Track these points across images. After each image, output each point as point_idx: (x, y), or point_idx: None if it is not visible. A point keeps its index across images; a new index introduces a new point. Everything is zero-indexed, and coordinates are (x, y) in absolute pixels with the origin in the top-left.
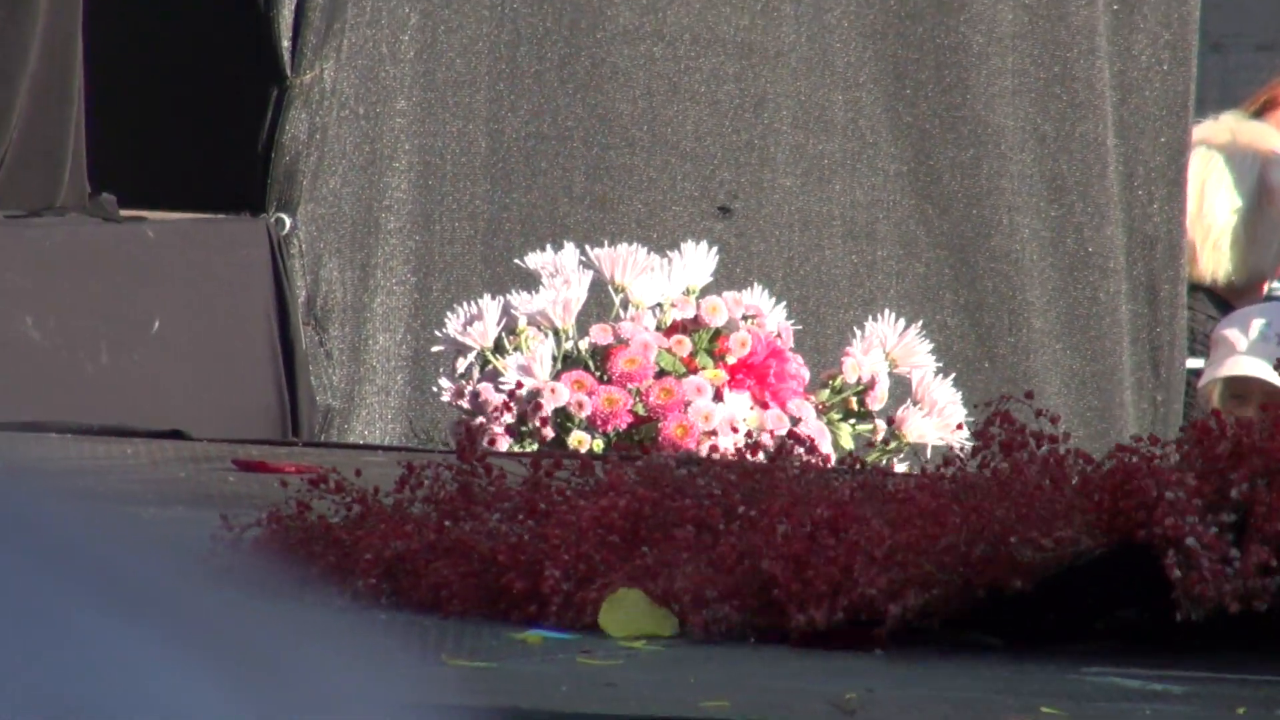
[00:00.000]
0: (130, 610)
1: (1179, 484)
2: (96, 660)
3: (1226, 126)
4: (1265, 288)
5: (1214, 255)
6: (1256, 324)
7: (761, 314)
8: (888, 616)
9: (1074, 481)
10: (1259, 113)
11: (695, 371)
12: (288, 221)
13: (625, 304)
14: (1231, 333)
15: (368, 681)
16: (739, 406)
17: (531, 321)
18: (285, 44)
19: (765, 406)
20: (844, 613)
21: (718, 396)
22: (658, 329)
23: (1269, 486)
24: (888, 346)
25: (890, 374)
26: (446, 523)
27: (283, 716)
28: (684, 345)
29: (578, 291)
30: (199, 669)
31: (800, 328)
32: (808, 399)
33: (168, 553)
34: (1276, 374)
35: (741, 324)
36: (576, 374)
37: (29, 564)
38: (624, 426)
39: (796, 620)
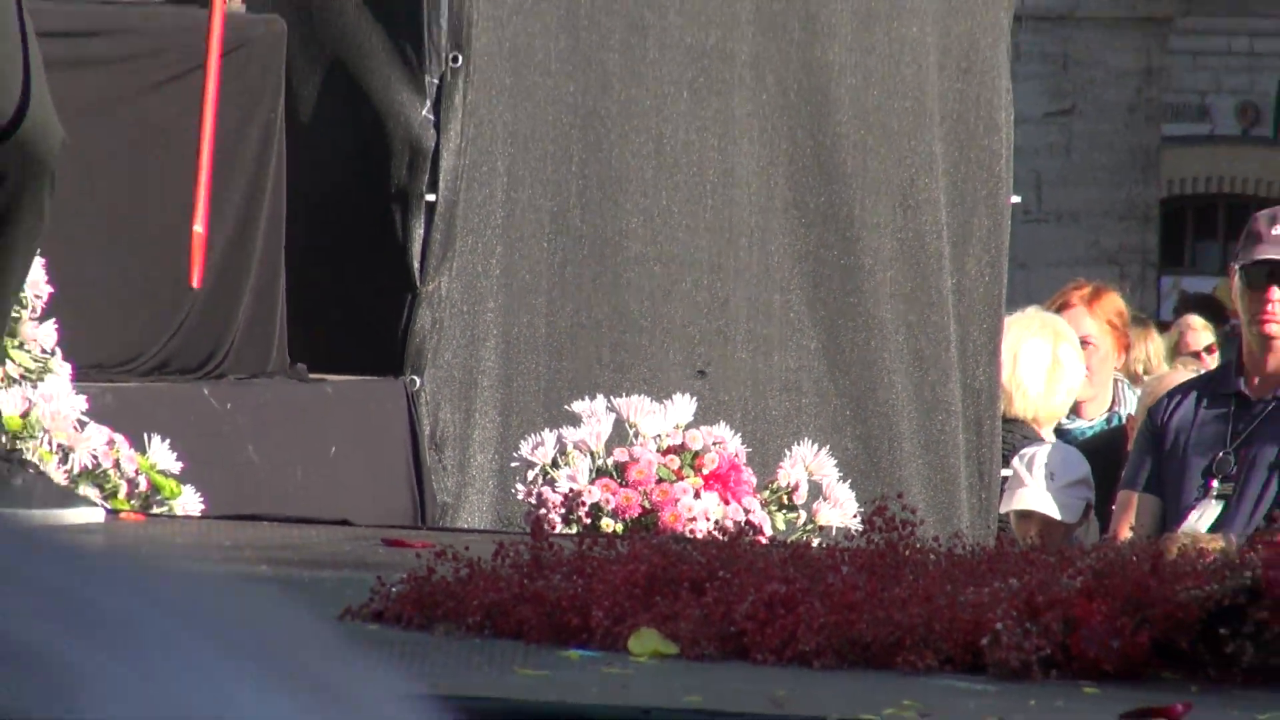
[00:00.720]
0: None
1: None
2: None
3: (1032, 315)
4: (1056, 422)
5: (1023, 400)
6: (1040, 462)
7: (724, 441)
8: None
9: (931, 566)
10: (1057, 310)
11: (682, 479)
12: (417, 381)
13: (636, 434)
14: (1021, 467)
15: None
16: (711, 503)
17: (576, 446)
18: (415, 264)
19: (727, 503)
20: (787, 660)
21: (697, 495)
22: (658, 451)
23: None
24: (807, 463)
25: (808, 480)
26: (525, 580)
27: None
28: (674, 462)
29: (605, 427)
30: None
31: (750, 449)
32: (755, 497)
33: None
34: (1052, 508)
35: (712, 448)
36: (604, 481)
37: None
38: (636, 516)
39: (755, 658)
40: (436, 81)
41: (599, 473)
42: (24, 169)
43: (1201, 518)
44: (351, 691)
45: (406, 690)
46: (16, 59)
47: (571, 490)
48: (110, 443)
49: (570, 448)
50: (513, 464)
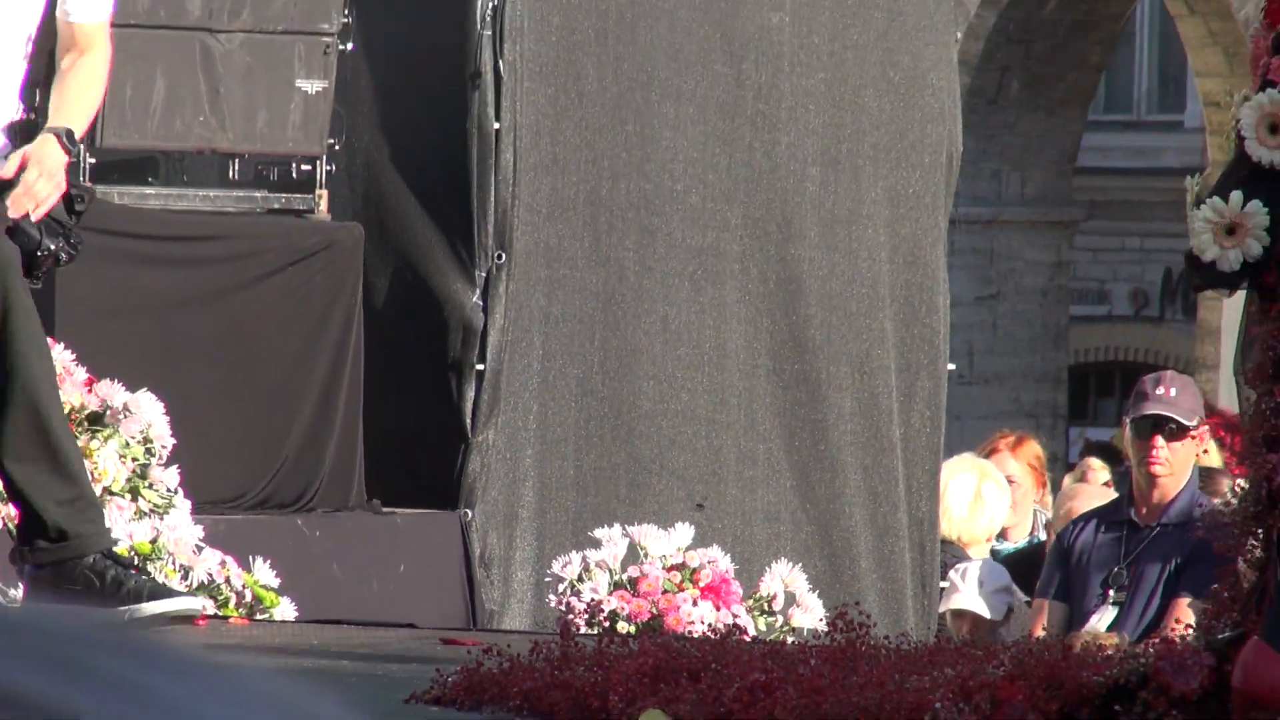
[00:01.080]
0: None
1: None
2: None
3: (965, 459)
4: (980, 543)
5: (948, 523)
6: (972, 573)
7: (717, 560)
8: None
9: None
10: (987, 454)
11: (682, 590)
12: (469, 513)
13: (645, 555)
14: (956, 577)
15: None
16: (706, 610)
17: (597, 565)
18: (468, 420)
19: (719, 609)
20: None
21: (694, 604)
22: (663, 568)
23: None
24: (784, 577)
25: (784, 591)
26: (555, 671)
27: None
28: (676, 576)
29: (621, 549)
30: None
31: (737, 567)
32: (741, 605)
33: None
34: (982, 608)
35: (707, 565)
36: (620, 592)
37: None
38: (645, 620)
39: None
40: (484, 274)
41: (616, 585)
42: None
43: (1100, 620)
44: None
45: None
46: None
47: (593, 600)
48: (222, 563)
49: (593, 566)
50: (546, 579)
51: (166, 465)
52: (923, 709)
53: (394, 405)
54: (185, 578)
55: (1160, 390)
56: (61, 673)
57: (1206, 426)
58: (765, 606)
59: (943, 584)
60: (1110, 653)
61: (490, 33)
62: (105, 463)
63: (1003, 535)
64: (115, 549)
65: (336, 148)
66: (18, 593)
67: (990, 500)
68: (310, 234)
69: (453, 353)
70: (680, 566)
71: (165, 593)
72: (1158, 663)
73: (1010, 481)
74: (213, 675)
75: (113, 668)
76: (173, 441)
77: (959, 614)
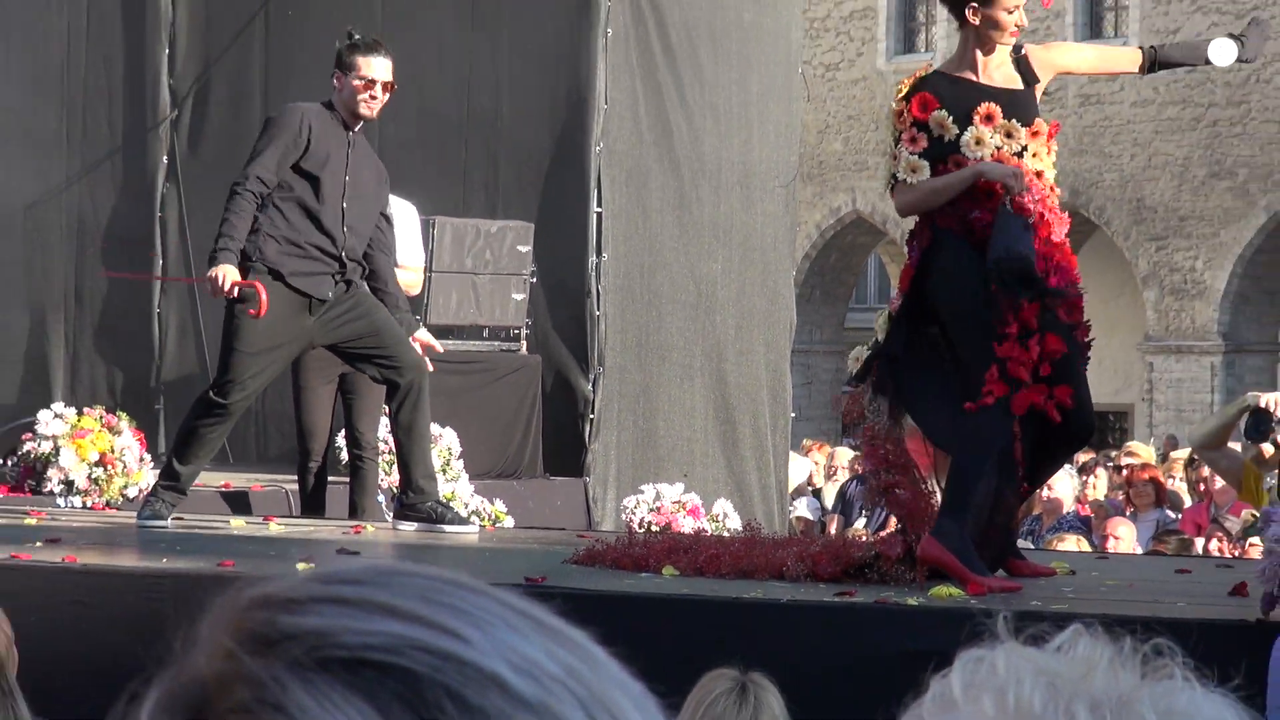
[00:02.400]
0: None
1: None
2: None
3: None
4: None
5: None
6: None
7: (693, 499)
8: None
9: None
10: None
11: (678, 512)
12: (589, 480)
13: (659, 496)
14: None
15: None
16: (689, 522)
17: (641, 501)
18: (587, 433)
19: (696, 520)
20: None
21: (684, 517)
22: (670, 501)
23: None
24: (722, 506)
25: (723, 512)
26: (626, 547)
27: None
28: (676, 507)
29: (651, 494)
30: None
31: (701, 500)
32: (704, 519)
33: None
34: None
35: (688, 501)
36: (653, 514)
37: None
38: (663, 525)
39: (709, 575)
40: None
41: (650, 510)
42: None
43: (863, 524)
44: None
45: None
46: None
47: (641, 517)
48: (481, 502)
49: (640, 502)
50: (621, 508)
51: (458, 458)
52: (781, 564)
53: (551, 424)
54: (466, 509)
55: None
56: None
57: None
58: (716, 520)
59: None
60: (864, 540)
61: None
62: (434, 460)
63: None
64: (440, 497)
65: (531, 322)
66: (405, 525)
67: None
68: (521, 361)
69: (581, 403)
70: (677, 502)
71: (461, 520)
72: (879, 545)
73: None
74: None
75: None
76: (460, 449)
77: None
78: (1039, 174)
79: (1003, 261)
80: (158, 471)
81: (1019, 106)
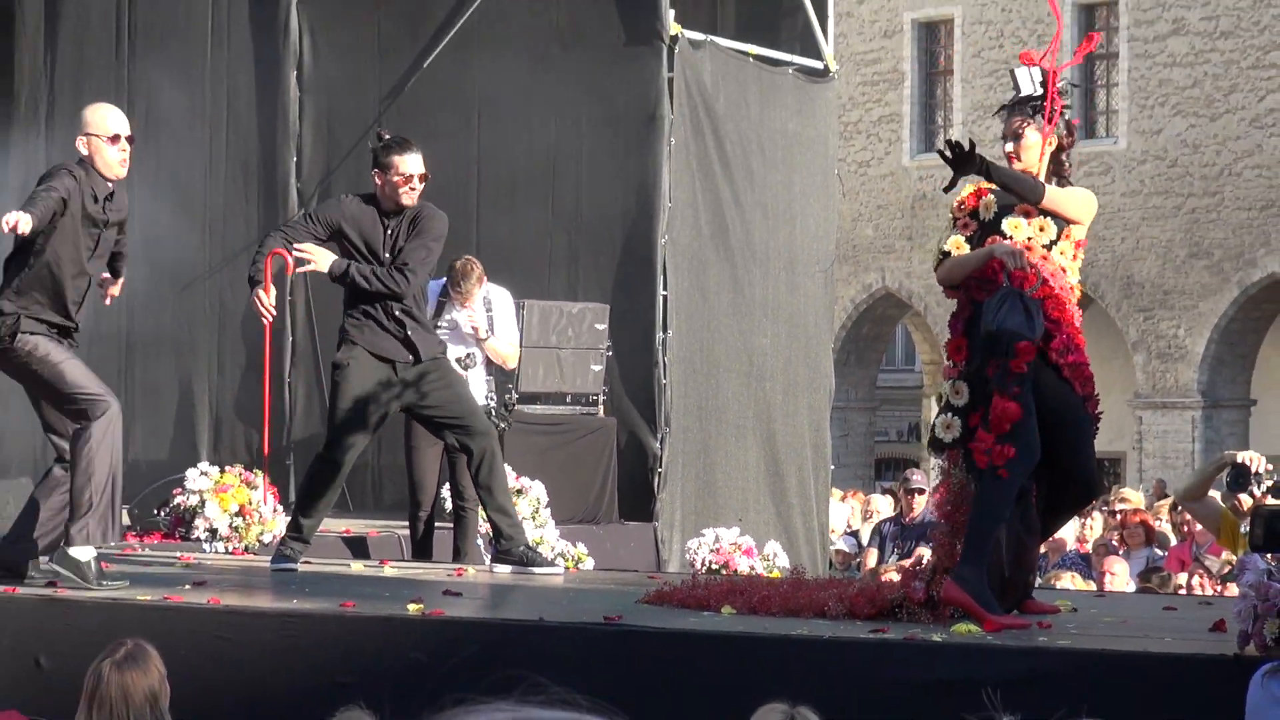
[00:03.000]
0: None
1: None
2: None
3: None
4: None
5: None
6: None
7: (748, 541)
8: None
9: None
10: None
11: (735, 553)
12: (657, 524)
13: (718, 539)
14: None
15: None
16: (745, 561)
17: (703, 544)
18: (656, 482)
19: (749, 559)
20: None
21: (740, 557)
22: (728, 544)
23: None
24: (773, 548)
25: (773, 553)
26: (689, 589)
27: None
28: (733, 547)
29: (711, 537)
30: None
31: (754, 542)
32: (757, 558)
33: None
34: None
35: (744, 542)
36: (712, 554)
37: None
38: (721, 565)
39: (760, 614)
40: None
41: (710, 551)
42: None
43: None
44: None
45: None
46: None
47: (703, 558)
48: (566, 545)
49: (702, 545)
50: (685, 551)
51: (546, 507)
52: (824, 605)
53: (625, 476)
54: (553, 551)
55: None
56: None
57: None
58: (767, 559)
59: None
60: (895, 580)
61: None
62: (525, 507)
63: None
64: (528, 541)
65: (607, 389)
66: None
67: None
68: (599, 423)
69: (650, 458)
70: (734, 543)
71: (548, 563)
72: (904, 587)
73: None
74: None
75: None
76: (547, 499)
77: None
78: (1063, 269)
79: (992, 333)
80: (288, 520)
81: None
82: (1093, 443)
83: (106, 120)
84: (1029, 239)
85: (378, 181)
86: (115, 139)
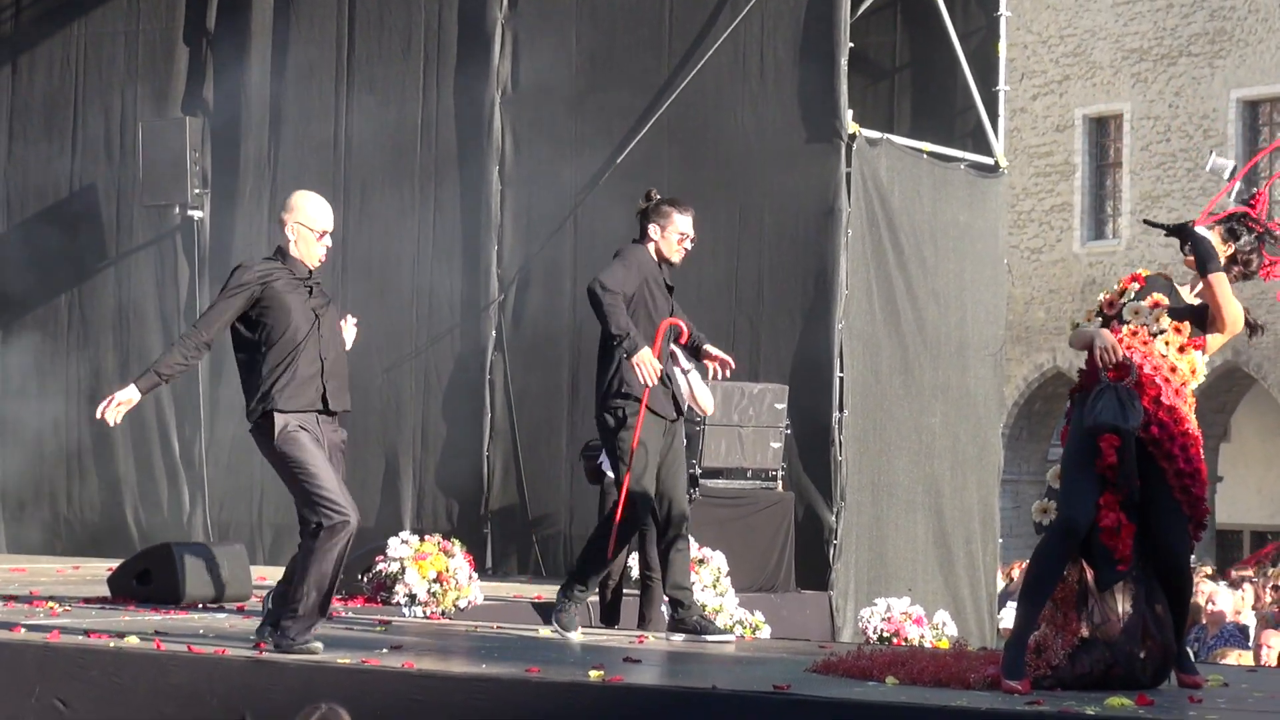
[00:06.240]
0: None
1: None
2: None
3: None
4: None
5: None
6: None
7: (918, 610)
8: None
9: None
10: None
11: (905, 621)
12: (832, 594)
13: (889, 608)
14: None
15: None
16: (914, 630)
17: (874, 614)
18: (832, 556)
19: (919, 627)
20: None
21: (910, 626)
22: (898, 613)
23: None
24: (942, 618)
25: (942, 622)
26: (856, 658)
27: None
28: (902, 616)
29: (883, 606)
30: None
31: (923, 610)
32: (925, 626)
33: None
34: None
35: (914, 611)
36: (882, 624)
37: None
38: (890, 633)
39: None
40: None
41: (882, 620)
42: None
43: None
44: None
45: None
46: None
47: (875, 626)
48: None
49: (874, 614)
50: (857, 619)
51: (726, 575)
52: (971, 674)
53: (802, 548)
54: (732, 619)
55: None
56: None
57: None
58: (936, 627)
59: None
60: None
61: None
62: (706, 576)
63: None
64: (701, 611)
65: (785, 465)
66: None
67: None
68: (777, 497)
69: (826, 530)
70: (904, 613)
71: (720, 631)
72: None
73: None
74: None
75: None
76: (728, 568)
77: None
78: (1173, 368)
79: (1089, 428)
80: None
81: (1187, 315)
82: (1189, 543)
83: (318, 215)
84: (1143, 324)
85: (652, 235)
86: (322, 235)
